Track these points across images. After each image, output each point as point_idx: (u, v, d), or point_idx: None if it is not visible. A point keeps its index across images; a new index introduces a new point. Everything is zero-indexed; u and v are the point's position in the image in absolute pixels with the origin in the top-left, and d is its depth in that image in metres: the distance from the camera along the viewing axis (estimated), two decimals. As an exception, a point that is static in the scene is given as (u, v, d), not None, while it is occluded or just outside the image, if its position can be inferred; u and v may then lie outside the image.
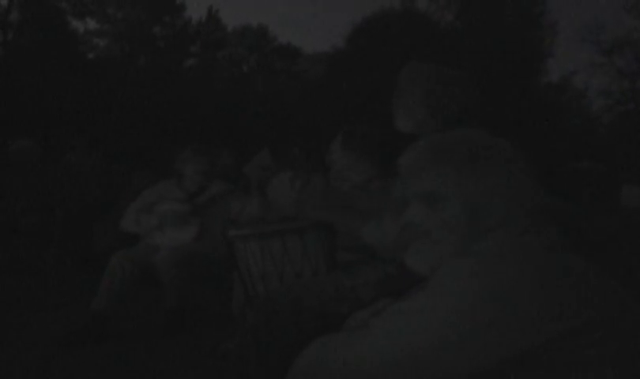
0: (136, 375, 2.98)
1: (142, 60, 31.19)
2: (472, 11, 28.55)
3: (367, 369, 1.02)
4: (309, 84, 34.00)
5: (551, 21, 29.77)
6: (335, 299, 2.02)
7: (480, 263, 1.01)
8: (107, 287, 3.54)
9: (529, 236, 1.08)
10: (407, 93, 2.06)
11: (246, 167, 5.35)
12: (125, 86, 24.76)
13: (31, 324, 3.83)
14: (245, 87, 33.48)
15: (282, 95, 32.89)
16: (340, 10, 69.10)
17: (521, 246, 1.07)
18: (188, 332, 3.60)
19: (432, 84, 2.00)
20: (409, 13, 29.84)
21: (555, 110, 29.21)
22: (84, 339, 3.39)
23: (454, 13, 30.15)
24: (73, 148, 6.33)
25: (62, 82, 21.45)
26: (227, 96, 29.63)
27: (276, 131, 24.37)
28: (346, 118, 19.13)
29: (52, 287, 4.91)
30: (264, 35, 37.24)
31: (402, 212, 1.86)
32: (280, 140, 18.54)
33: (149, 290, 3.88)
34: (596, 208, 6.27)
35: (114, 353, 3.28)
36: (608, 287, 1.01)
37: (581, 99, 32.67)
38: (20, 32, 24.96)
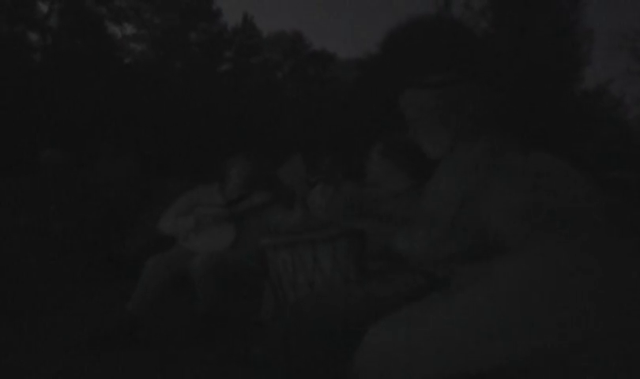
0: (165, 380, 3.01)
1: (178, 65, 31.58)
2: (508, 18, 28.25)
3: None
4: (342, 90, 34.01)
5: (587, 28, 29.34)
6: (365, 308, 2.01)
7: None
8: (141, 290, 3.58)
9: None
10: (422, 124, 2.03)
11: (278, 172, 5.38)
12: (160, 90, 25.05)
13: (62, 328, 3.90)
14: (278, 92, 33.62)
15: (315, 101, 32.95)
16: (374, 16, 69.01)
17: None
18: (219, 339, 3.62)
19: (445, 108, 1.97)
20: (444, 19, 29.63)
21: (591, 118, 28.73)
22: (115, 341, 3.43)
23: (489, 20, 29.88)
24: (99, 154, 6.41)
25: (99, 87, 21.79)
26: (261, 102, 29.77)
27: (308, 137, 24.39)
28: (379, 125, 19.06)
29: (83, 291, 4.98)
30: (298, 41, 37.42)
31: (433, 223, 1.87)
32: (312, 146, 18.55)
33: (182, 294, 3.91)
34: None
35: (143, 357, 3.32)
36: None
37: (618, 107, 32.10)
38: (58, 38, 25.44)
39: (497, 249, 1.32)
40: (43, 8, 25.32)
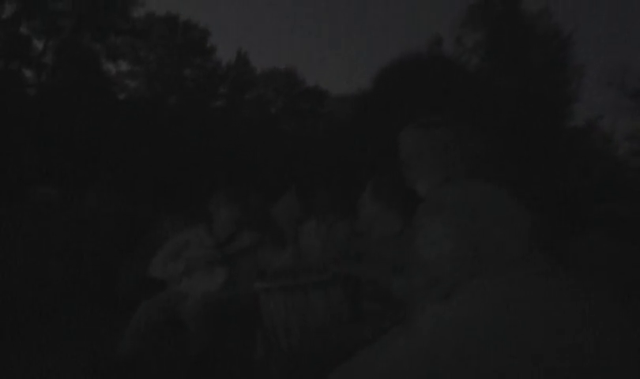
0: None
1: (172, 100, 31.77)
2: (499, 55, 28.64)
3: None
4: (335, 126, 34.20)
5: (576, 65, 29.75)
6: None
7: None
8: (133, 333, 3.55)
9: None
10: (415, 161, 2.04)
11: (273, 210, 5.38)
12: (155, 126, 25.15)
13: (54, 367, 3.85)
14: (272, 128, 33.80)
15: (309, 137, 33.12)
16: (368, 53, 69.89)
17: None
18: (211, 380, 3.58)
19: (440, 148, 1.99)
20: (436, 56, 30.01)
21: (582, 153, 28.96)
22: (108, 382, 3.39)
23: (481, 56, 30.27)
24: (86, 191, 6.39)
25: (93, 123, 21.86)
26: (255, 137, 29.91)
27: (302, 173, 24.45)
28: (372, 161, 19.14)
29: (77, 329, 4.94)
30: (292, 78, 37.75)
31: (430, 264, 1.87)
32: (306, 182, 18.57)
33: (175, 337, 3.87)
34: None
35: (137, 399, 3.27)
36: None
37: (608, 142, 32.37)
38: (53, 74, 25.57)
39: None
40: (39, 45, 25.57)
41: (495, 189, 1.73)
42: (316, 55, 67.28)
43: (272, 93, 37.23)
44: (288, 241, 3.66)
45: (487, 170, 1.97)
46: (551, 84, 27.95)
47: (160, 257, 4.06)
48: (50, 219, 5.64)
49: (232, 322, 3.73)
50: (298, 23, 67.74)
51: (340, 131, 31.77)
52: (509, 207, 1.65)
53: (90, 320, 5.18)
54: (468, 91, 25.62)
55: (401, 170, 2.16)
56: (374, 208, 2.75)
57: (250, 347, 3.25)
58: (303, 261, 3.10)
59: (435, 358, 1.37)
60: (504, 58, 28.41)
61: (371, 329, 2.09)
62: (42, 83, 25.35)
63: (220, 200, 4.08)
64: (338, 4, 66.12)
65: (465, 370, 1.30)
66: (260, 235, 4.01)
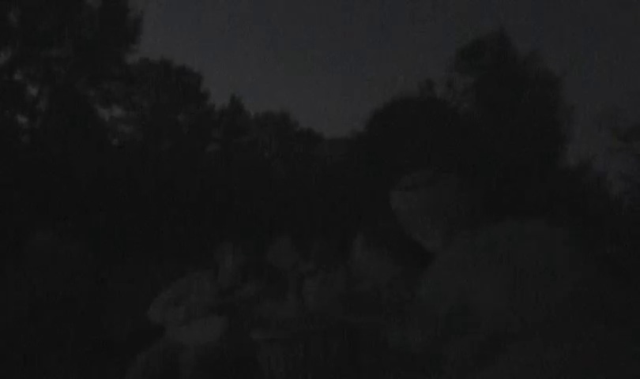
0: None
1: (166, 145, 31.87)
2: (489, 97, 28.97)
3: None
4: (329, 169, 34.35)
5: (567, 106, 30.12)
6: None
7: None
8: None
9: None
10: (414, 222, 2.03)
11: (268, 255, 5.35)
12: (149, 171, 25.17)
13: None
14: (266, 172, 33.90)
15: (303, 181, 33.19)
16: (361, 96, 70.58)
17: None
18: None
19: (435, 206, 1.98)
20: (427, 100, 30.34)
21: (575, 194, 29.10)
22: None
23: (471, 99, 30.61)
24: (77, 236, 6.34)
25: (87, 169, 21.88)
26: (249, 183, 29.96)
27: (297, 219, 24.44)
28: (366, 205, 19.18)
29: (72, 376, 4.87)
30: (285, 121, 38.03)
31: (428, 314, 1.85)
32: (301, 227, 18.57)
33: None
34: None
35: None
36: None
37: (601, 182, 32.57)
38: (47, 120, 25.64)
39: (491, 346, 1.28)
40: (33, 91, 25.70)
41: (544, 228, 1.46)
42: (309, 99, 67.92)
43: (266, 137, 37.44)
44: (290, 291, 3.64)
45: (487, 219, 1.96)
46: (542, 125, 28.22)
47: (159, 301, 4.00)
48: (50, 266, 5.59)
49: (231, 373, 3.69)
50: (291, 66, 68.52)
51: (334, 175, 31.92)
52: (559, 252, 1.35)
53: (82, 365, 5.11)
54: (460, 135, 25.90)
55: (393, 220, 2.15)
56: (367, 255, 2.74)
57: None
58: (305, 312, 3.08)
59: None
60: (494, 100, 28.72)
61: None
62: (35, 129, 25.42)
63: (227, 248, 4.04)
64: (331, 46, 67.04)
65: None
66: (263, 284, 3.98)
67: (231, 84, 74.66)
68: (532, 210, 20.33)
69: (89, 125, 25.91)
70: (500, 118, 27.62)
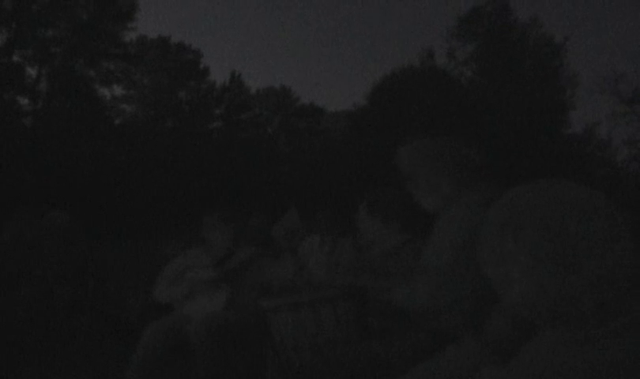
0: None
1: (169, 123, 31.81)
2: (491, 66, 28.77)
3: None
4: (332, 142, 34.28)
5: (570, 73, 29.90)
6: (369, 369, 1.99)
7: None
8: (140, 359, 3.52)
9: None
10: (424, 173, 2.02)
11: (274, 229, 5.37)
12: (152, 150, 25.14)
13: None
14: (269, 147, 33.84)
15: (306, 155, 33.15)
16: (361, 69, 70.21)
17: None
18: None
19: (447, 156, 1.98)
20: (429, 70, 30.17)
21: (580, 160, 29.03)
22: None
23: (473, 68, 30.41)
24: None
25: (89, 149, 21.86)
26: (253, 157, 29.92)
27: (302, 191, 24.44)
28: (370, 176, 19.17)
29: (85, 356, 4.91)
30: (287, 96, 37.86)
31: (432, 272, 1.86)
32: (306, 200, 18.59)
33: (182, 360, 3.85)
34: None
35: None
36: None
37: (606, 148, 32.39)
38: (48, 102, 25.59)
39: (491, 297, 1.18)
40: (32, 73, 25.60)
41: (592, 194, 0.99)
42: (310, 72, 67.58)
43: (268, 112, 37.31)
44: (285, 252, 3.66)
45: (493, 181, 1.96)
46: (545, 92, 28.05)
47: (162, 281, 4.04)
48: (62, 245, 5.60)
49: (239, 343, 3.71)
50: (291, 40, 68.06)
51: (337, 147, 31.85)
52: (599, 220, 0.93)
53: (98, 347, 5.16)
54: (463, 104, 25.77)
55: (398, 185, 2.14)
56: (372, 223, 2.74)
57: (259, 366, 3.23)
58: (306, 275, 3.09)
59: None
60: (496, 69, 28.52)
61: (382, 346, 2.09)
62: (37, 110, 25.36)
63: (214, 222, 4.08)
64: (330, 20, 66.50)
65: None
66: (258, 249, 4.02)
67: (228, 60, 74.22)
68: (536, 177, 20.27)
69: (90, 105, 25.84)
70: (502, 85, 27.45)
